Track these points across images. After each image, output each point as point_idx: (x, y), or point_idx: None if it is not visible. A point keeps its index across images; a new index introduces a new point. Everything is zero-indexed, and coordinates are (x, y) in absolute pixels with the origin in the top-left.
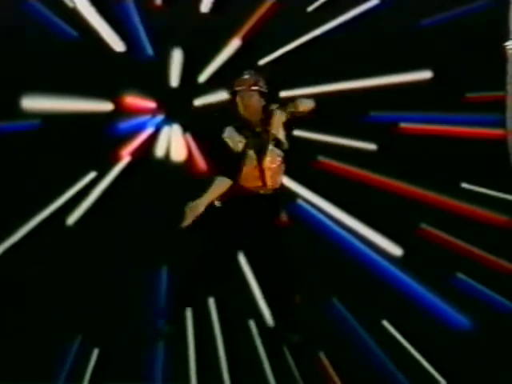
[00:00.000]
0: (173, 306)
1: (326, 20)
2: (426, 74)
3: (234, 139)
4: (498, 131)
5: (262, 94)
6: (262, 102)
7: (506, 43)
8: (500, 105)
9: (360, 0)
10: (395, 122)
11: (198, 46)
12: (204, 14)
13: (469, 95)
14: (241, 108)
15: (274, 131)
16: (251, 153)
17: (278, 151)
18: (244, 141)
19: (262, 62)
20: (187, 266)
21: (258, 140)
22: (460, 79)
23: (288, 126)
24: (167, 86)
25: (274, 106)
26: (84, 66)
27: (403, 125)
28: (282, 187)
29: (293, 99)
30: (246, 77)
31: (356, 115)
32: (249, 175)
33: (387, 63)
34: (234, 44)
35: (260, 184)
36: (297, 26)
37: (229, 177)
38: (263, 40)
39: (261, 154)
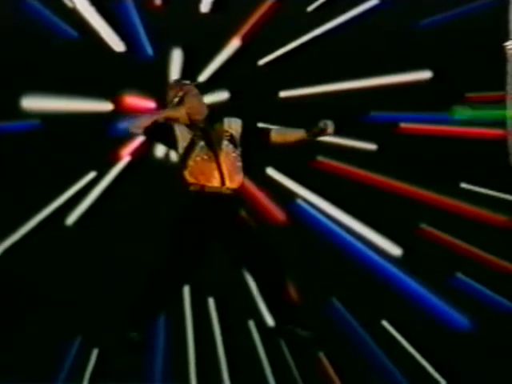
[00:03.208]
0: (140, 312)
1: (325, 20)
2: (425, 74)
3: (183, 130)
4: (497, 131)
5: (199, 90)
6: (202, 99)
7: (506, 43)
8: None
9: (360, 0)
10: (395, 121)
11: (198, 46)
12: (204, 14)
13: (469, 95)
14: (189, 110)
15: (227, 129)
16: (202, 143)
17: (232, 147)
18: (192, 133)
19: (261, 61)
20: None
21: (205, 133)
22: (460, 79)
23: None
24: (167, 86)
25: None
26: (84, 66)
27: (403, 125)
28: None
29: None
30: (185, 82)
31: (356, 115)
32: (206, 170)
33: (387, 63)
34: (234, 44)
35: (219, 183)
36: (297, 25)
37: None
38: (263, 40)
39: (213, 146)
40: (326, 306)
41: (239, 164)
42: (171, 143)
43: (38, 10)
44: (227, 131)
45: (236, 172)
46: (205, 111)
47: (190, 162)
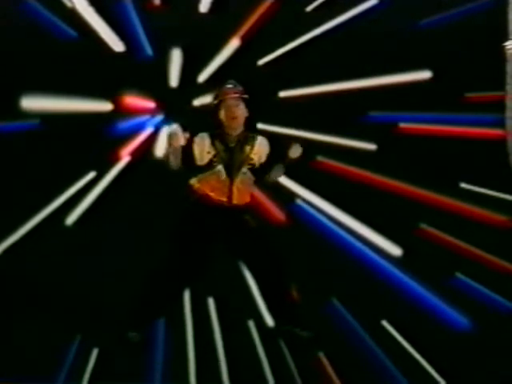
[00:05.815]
0: (140, 312)
1: (325, 20)
2: (425, 74)
3: (203, 147)
4: (497, 131)
5: (246, 104)
6: (246, 113)
7: (506, 43)
8: (500, 105)
9: (359, 0)
10: (395, 121)
11: (198, 46)
12: (203, 14)
13: (469, 95)
14: (223, 118)
15: (253, 156)
16: (220, 167)
17: (250, 175)
18: (213, 152)
19: (261, 61)
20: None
21: (230, 156)
22: (460, 79)
23: (269, 159)
24: (167, 86)
25: (259, 136)
26: (83, 66)
27: (403, 125)
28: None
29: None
30: (230, 86)
31: (355, 115)
32: (216, 188)
33: (387, 63)
34: (234, 44)
35: (225, 200)
36: (296, 25)
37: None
38: (263, 40)
39: (231, 171)
40: (326, 306)
41: (251, 189)
42: (190, 162)
43: (37, 10)
44: (252, 158)
45: (245, 194)
46: (237, 127)
47: (202, 177)
